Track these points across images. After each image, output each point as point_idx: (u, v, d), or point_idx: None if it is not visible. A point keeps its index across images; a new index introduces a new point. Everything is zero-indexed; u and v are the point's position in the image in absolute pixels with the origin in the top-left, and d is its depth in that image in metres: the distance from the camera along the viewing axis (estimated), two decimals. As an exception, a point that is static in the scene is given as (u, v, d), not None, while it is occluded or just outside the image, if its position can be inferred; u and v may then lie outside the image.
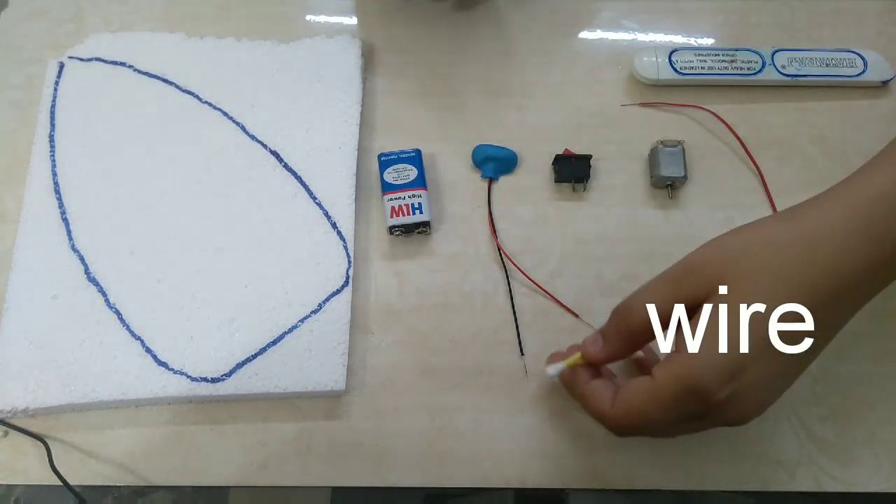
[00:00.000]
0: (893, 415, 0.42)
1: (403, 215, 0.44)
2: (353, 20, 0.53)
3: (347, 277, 0.43)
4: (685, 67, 0.50)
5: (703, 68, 0.50)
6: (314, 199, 0.46)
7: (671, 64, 0.50)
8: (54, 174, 0.46)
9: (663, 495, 0.40)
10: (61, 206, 0.45)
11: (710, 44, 0.53)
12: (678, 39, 0.53)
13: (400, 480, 0.40)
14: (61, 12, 0.52)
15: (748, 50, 0.50)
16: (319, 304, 0.43)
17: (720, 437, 0.41)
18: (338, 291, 0.43)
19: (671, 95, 0.50)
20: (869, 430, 0.41)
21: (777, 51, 0.50)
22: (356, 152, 0.47)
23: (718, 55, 0.50)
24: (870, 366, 0.43)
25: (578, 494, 0.40)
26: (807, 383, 0.42)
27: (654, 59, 0.50)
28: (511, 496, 0.40)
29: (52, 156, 0.46)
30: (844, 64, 0.50)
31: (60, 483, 0.38)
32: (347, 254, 0.44)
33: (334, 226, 0.45)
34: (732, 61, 0.50)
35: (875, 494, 0.40)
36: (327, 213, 0.45)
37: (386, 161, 0.46)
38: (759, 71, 0.50)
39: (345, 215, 0.45)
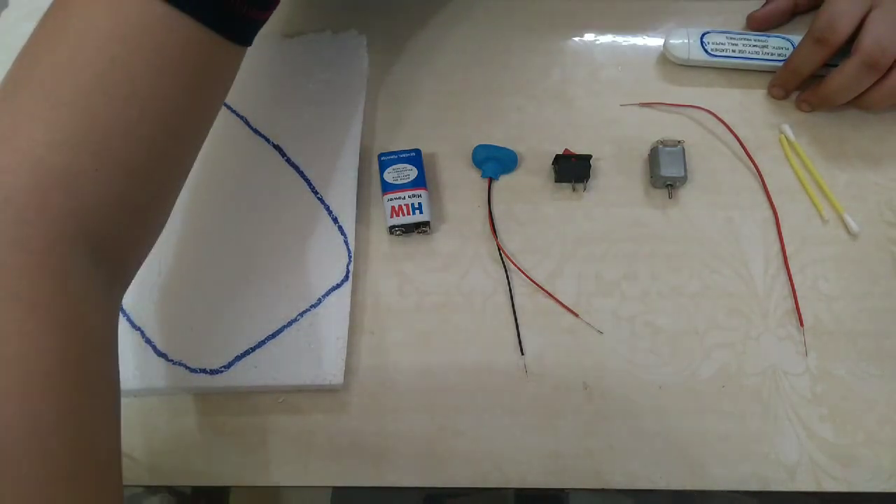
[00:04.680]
0: (893, 415, 0.42)
1: (403, 215, 0.44)
2: (358, 18, 0.53)
3: (348, 272, 0.43)
4: (716, 49, 0.50)
5: (733, 51, 0.50)
6: (316, 193, 0.46)
7: (702, 45, 0.50)
8: None
9: (663, 495, 0.40)
10: None
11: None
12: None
13: (400, 480, 0.40)
14: (61, 12, 0.52)
15: (779, 37, 0.50)
16: (319, 297, 0.43)
17: (720, 436, 0.41)
18: (338, 286, 0.43)
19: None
20: (869, 430, 0.41)
21: None
22: (359, 148, 0.47)
23: (750, 40, 0.50)
24: (870, 366, 0.43)
25: (578, 494, 0.40)
26: (807, 383, 0.42)
27: (686, 40, 0.50)
28: (511, 496, 0.40)
29: None
30: None
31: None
32: (348, 248, 0.44)
33: (335, 220, 0.45)
34: (764, 47, 0.50)
35: (875, 494, 0.40)
36: (329, 207, 0.45)
37: (386, 161, 0.46)
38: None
39: (346, 210, 0.45)
